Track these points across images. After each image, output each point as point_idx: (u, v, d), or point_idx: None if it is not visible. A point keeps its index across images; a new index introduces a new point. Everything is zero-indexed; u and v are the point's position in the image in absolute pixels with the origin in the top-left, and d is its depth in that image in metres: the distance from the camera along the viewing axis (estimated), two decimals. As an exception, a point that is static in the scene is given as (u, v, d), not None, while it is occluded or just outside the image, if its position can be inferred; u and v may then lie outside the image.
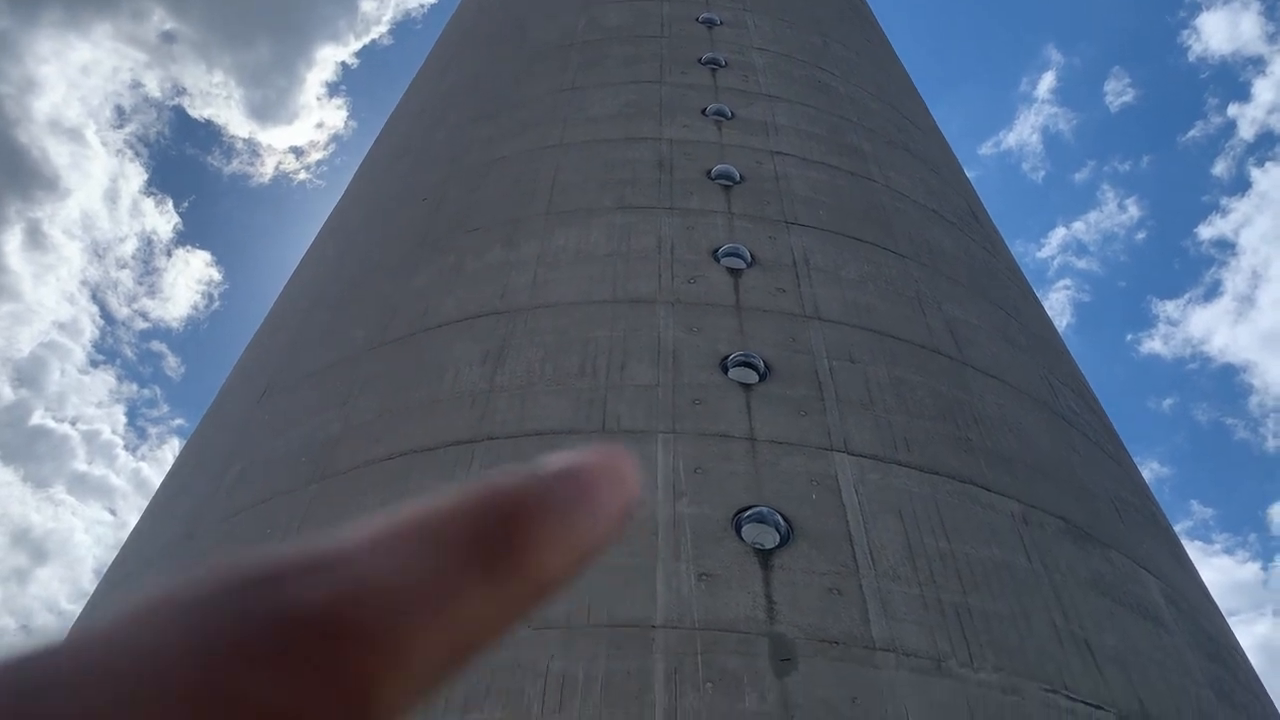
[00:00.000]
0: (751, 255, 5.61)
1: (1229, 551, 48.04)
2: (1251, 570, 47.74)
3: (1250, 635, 43.06)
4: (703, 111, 7.08)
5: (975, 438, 4.79)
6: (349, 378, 5.28)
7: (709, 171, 6.38)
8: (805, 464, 4.26)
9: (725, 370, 4.72)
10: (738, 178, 6.35)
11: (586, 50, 8.07)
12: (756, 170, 6.50)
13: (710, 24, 8.37)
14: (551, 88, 7.67)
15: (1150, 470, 46.49)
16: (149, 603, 0.26)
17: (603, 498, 0.34)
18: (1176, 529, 6.00)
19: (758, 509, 3.97)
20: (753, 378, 4.69)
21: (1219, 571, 46.02)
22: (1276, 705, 4.86)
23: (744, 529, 3.89)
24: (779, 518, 3.95)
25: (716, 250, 5.60)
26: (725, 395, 4.58)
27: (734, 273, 5.45)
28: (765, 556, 3.79)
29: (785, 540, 3.87)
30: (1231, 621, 5.41)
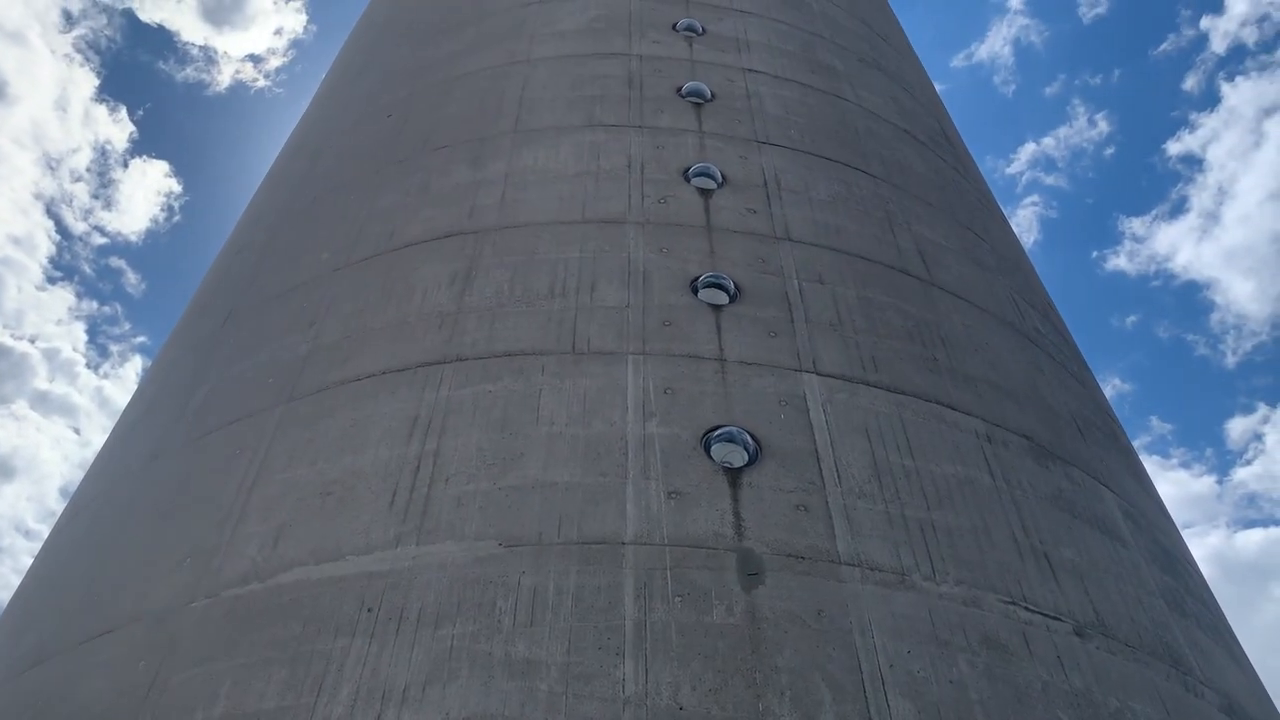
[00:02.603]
0: (722, 175, 5.55)
1: (1185, 466, 49.27)
2: (1206, 484, 49.05)
3: (1203, 546, 44.51)
4: (673, 27, 6.93)
5: (942, 358, 4.83)
6: (315, 299, 5.21)
7: (680, 89, 6.28)
8: (774, 384, 4.29)
9: (695, 291, 4.71)
10: (709, 95, 6.25)
11: (554, -38, 7.84)
12: (728, 88, 6.40)
13: (681, -65, 8.14)
14: (519, 0, 7.47)
15: (1112, 387, 47.33)
16: None
17: None
18: (1136, 444, 6.14)
19: (727, 428, 4.01)
20: (723, 299, 4.69)
21: (1175, 485, 47.28)
22: (1225, 613, 5.04)
23: (713, 448, 3.93)
24: (748, 437, 3.99)
25: (687, 170, 5.54)
26: (695, 316, 4.57)
27: (704, 193, 5.40)
28: (734, 475, 3.83)
29: (754, 459, 3.91)
30: (1186, 533, 5.58)
